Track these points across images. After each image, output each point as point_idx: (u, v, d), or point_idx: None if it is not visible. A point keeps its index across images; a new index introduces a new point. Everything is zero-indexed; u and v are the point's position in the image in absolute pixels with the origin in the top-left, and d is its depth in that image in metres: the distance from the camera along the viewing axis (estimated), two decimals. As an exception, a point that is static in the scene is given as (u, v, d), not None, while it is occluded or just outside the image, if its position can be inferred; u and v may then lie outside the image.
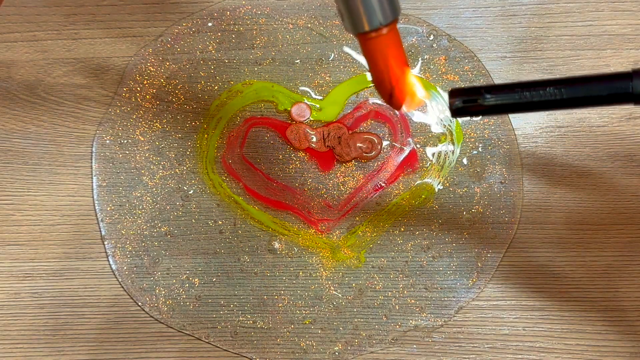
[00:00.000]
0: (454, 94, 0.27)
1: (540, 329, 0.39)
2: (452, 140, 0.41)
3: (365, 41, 0.27)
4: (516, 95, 0.25)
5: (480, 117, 0.41)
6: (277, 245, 0.40)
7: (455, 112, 0.27)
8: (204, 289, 0.40)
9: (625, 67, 0.42)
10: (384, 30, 0.26)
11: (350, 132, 0.41)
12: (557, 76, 0.41)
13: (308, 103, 0.42)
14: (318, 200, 0.41)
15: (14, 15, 0.43)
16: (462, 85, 0.42)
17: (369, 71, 0.28)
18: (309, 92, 0.42)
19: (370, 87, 0.42)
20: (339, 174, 0.41)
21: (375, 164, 0.41)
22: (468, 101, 0.26)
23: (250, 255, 0.40)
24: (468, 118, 0.41)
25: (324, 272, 0.40)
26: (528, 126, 0.41)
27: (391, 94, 0.28)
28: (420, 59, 0.42)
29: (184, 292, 0.40)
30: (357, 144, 0.41)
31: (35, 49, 0.43)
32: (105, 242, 0.41)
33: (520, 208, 0.40)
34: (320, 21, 0.43)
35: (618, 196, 0.40)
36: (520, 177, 0.41)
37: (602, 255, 0.40)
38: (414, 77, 0.29)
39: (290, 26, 0.43)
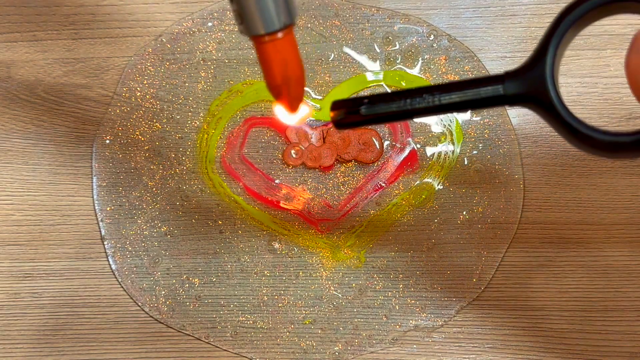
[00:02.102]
0: (335, 106, 0.26)
1: (540, 329, 0.39)
2: (452, 140, 0.41)
3: (259, 45, 0.27)
4: (394, 105, 0.25)
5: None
6: (277, 245, 0.40)
7: (338, 124, 0.26)
8: (204, 289, 0.40)
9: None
10: (279, 35, 0.26)
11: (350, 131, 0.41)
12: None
13: (308, 103, 0.42)
14: (318, 200, 0.41)
15: (14, 15, 0.43)
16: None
17: (263, 75, 0.28)
18: (309, 92, 0.42)
19: (370, 87, 0.42)
20: (339, 174, 0.41)
21: (375, 164, 0.41)
22: (350, 112, 0.26)
23: (250, 255, 0.40)
24: (468, 117, 0.41)
25: (324, 272, 0.40)
26: (528, 126, 0.41)
27: (283, 100, 0.28)
28: (420, 59, 0.42)
29: (184, 292, 0.40)
30: (357, 143, 0.41)
31: (35, 49, 0.43)
32: (105, 242, 0.41)
33: (520, 208, 0.40)
34: (320, 21, 0.43)
35: (618, 196, 0.40)
36: (520, 177, 0.40)
37: (602, 255, 0.40)
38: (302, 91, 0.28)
39: (290, 26, 0.43)
